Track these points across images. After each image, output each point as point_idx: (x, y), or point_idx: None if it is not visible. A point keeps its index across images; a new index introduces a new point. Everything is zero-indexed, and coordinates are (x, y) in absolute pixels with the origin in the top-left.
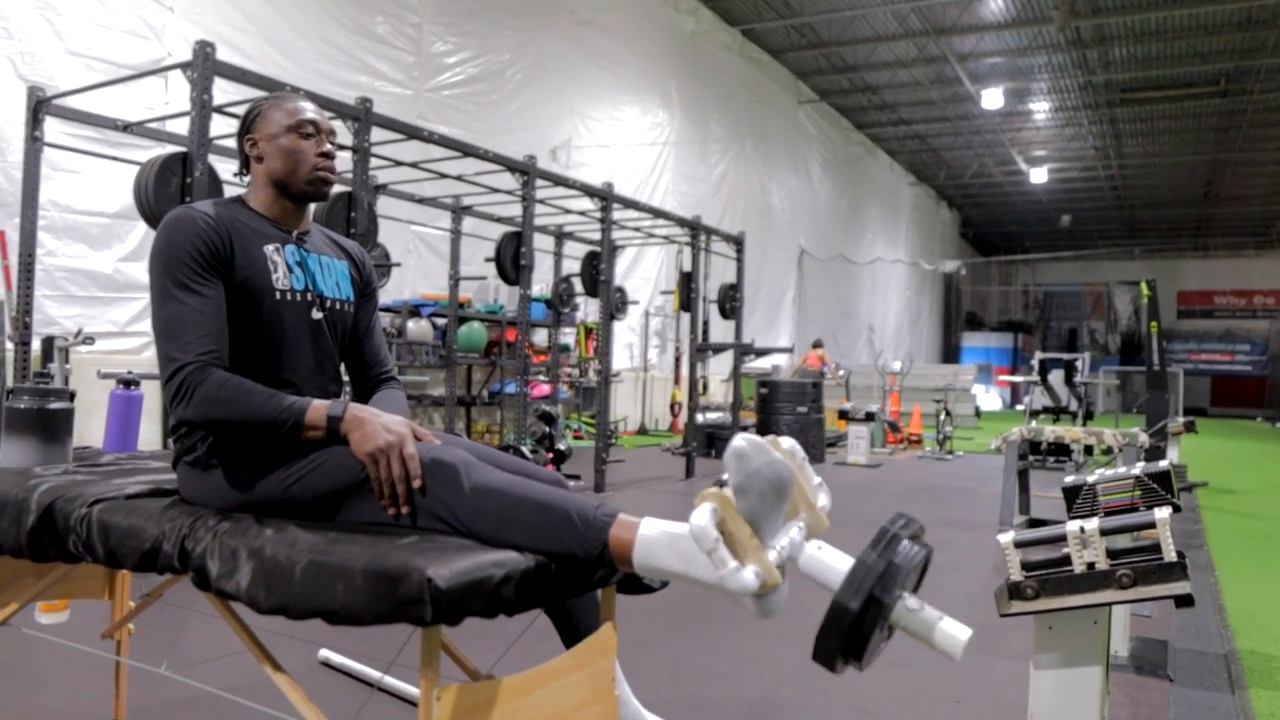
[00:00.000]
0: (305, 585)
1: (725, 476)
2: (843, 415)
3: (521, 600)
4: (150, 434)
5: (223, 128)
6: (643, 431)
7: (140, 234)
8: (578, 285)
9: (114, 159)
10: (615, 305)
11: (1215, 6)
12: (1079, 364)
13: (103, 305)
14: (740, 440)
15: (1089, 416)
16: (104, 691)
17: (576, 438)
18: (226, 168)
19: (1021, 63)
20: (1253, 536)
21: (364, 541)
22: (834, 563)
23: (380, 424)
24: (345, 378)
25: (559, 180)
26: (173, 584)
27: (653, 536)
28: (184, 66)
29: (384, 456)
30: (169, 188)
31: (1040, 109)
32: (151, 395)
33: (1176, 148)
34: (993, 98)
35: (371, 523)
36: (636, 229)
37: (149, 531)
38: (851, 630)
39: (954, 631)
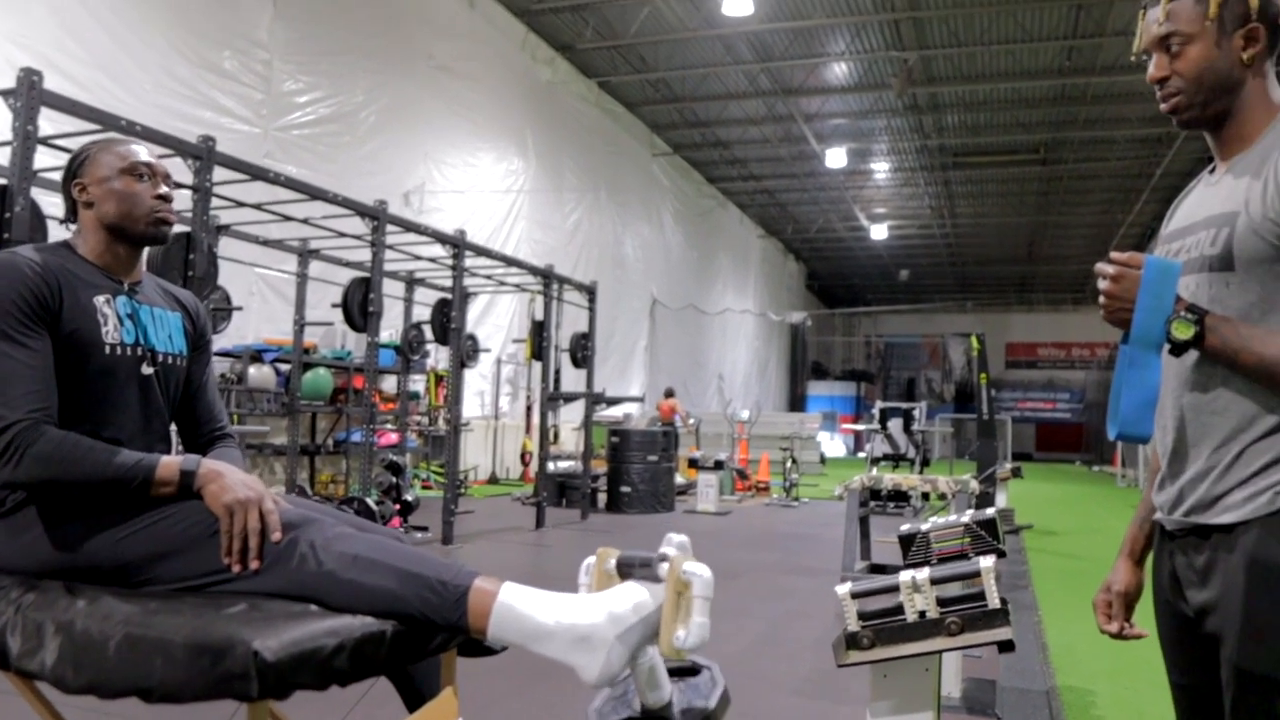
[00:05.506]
0: (119, 661)
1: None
2: (692, 463)
3: (356, 670)
4: None
5: (48, 160)
6: (493, 481)
7: None
8: (428, 332)
9: None
10: (466, 353)
11: (1034, 82)
12: (916, 413)
13: None
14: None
15: (926, 463)
16: None
17: (425, 488)
18: (51, 202)
19: (863, 125)
20: (1072, 576)
21: (186, 611)
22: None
23: (239, 479)
24: (174, 435)
25: (410, 226)
26: None
27: (511, 605)
28: (7, 94)
29: (242, 509)
30: None
31: (880, 169)
32: None
33: (1003, 209)
34: (836, 157)
35: (208, 582)
36: (489, 276)
37: None
38: None
39: None
